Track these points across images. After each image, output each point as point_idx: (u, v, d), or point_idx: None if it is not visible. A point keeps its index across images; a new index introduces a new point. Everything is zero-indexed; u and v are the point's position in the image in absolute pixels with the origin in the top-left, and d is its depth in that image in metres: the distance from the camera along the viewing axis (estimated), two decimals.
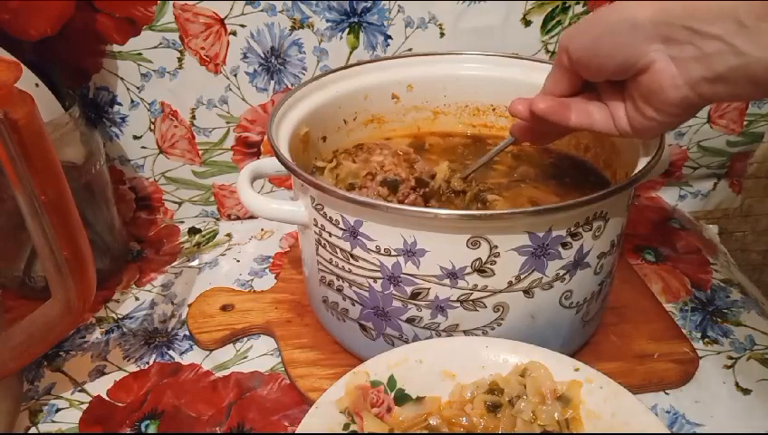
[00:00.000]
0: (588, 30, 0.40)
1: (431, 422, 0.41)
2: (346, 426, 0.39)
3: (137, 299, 0.64)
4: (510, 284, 0.44)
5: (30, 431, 0.50)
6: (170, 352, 0.57)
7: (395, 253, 0.44)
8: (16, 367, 0.51)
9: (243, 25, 0.65)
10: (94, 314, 0.62)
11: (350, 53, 0.67)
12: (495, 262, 0.43)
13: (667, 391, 0.51)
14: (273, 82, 0.68)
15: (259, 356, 0.56)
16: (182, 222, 0.76)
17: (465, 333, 0.47)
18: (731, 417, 0.49)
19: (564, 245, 0.43)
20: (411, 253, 0.43)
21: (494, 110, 0.64)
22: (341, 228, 0.45)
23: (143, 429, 0.50)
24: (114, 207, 0.68)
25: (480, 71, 0.63)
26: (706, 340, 0.57)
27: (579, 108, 0.45)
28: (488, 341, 0.44)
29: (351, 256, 0.46)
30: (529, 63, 0.60)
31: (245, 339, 0.58)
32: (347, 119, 0.62)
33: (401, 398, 0.42)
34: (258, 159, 0.72)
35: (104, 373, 0.55)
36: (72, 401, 0.53)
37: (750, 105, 0.73)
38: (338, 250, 0.47)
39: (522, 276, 0.44)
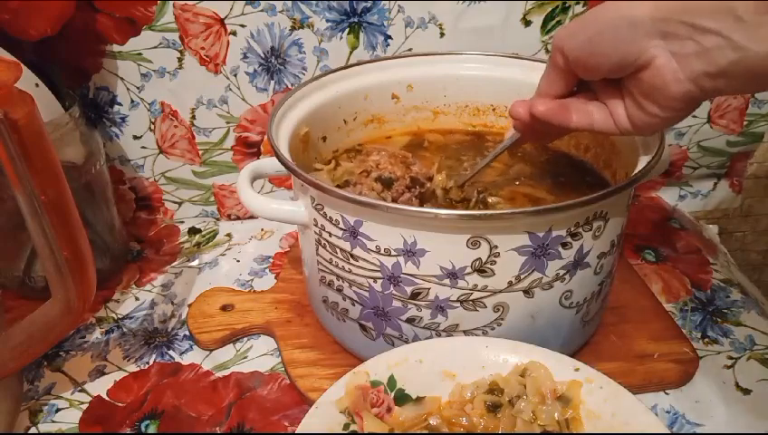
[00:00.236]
0: (583, 29, 0.40)
1: (431, 422, 0.41)
2: (346, 426, 0.39)
3: (137, 299, 0.64)
4: (510, 284, 0.44)
5: (30, 431, 0.50)
6: (170, 352, 0.57)
7: (395, 253, 0.44)
8: (16, 367, 0.51)
9: (243, 25, 0.65)
10: (94, 314, 0.62)
11: (350, 53, 0.67)
12: (495, 262, 0.43)
13: (667, 391, 0.51)
14: (273, 82, 0.68)
15: (259, 356, 0.56)
16: (182, 222, 0.76)
17: (465, 333, 0.47)
18: (731, 417, 0.49)
19: (564, 245, 0.43)
20: (411, 253, 0.43)
21: (494, 110, 0.64)
22: (341, 228, 0.45)
23: (143, 429, 0.50)
24: (114, 207, 0.68)
25: (480, 71, 0.63)
26: (706, 340, 0.57)
27: (578, 108, 0.45)
28: (488, 341, 0.44)
29: (351, 256, 0.46)
30: (529, 63, 0.61)
31: (245, 339, 0.58)
32: (347, 119, 0.62)
33: (401, 398, 0.42)
34: (258, 159, 0.72)
35: (104, 373, 0.55)
36: (72, 401, 0.53)
37: (750, 105, 0.73)
38: (338, 250, 0.47)
39: (522, 276, 0.44)
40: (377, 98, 0.62)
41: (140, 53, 0.65)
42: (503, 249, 0.42)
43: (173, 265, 0.69)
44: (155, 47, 0.65)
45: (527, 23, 0.67)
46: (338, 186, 0.52)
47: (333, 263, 0.48)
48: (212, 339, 0.57)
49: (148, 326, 0.60)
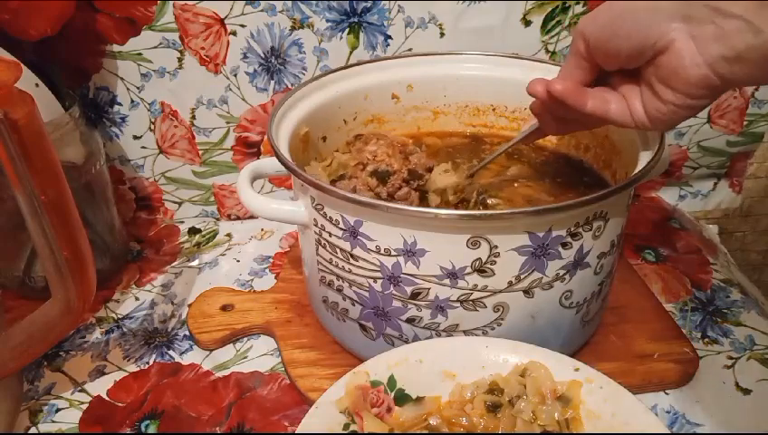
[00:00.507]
0: (605, 13, 0.41)
1: (431, 422, 0.41)
2: (346, 426, 0.39)
3: (137, 299, 0.64)
4: (510, 284, 0.44)
5: (30, 431, 0.50)
6: (170, 352, 0.57)
7: (395, 253, 0.44)
8: (16, 367, 0.51)
9: (243, 25, 0.65)
10: (94, 314, 0.62)
11: (350, 53, 0.67)
12: (495, 262, 0.43)
13: (667, 391, 0.51)
14: (273, 82, 0.68)
15: (259, 356, 0.56)
16: (182, 222, 0.76)
17: (465, 333, 0.47)
18: (731, 417, 0.49)
19: (564, 245, 0.43)
20: (411, 253, 0.43)
21: (493, 110, 0.64)
22: (341, 228, 0.45)
23: (143, 429, 0.50)
24: (114, 207, 0.68)
25: (480, 71, 0.63)
26: (706, 340, 0.57)
27: (595, 95, 0.45)
28: (488, 341, 0.44)
29: (351, 256, 0.46)
30: (529, 63, 0.61)
31: (245, 339, 0.58)
32: (347, 119, 0.62)
33: (401, 398, 0.42)
34: (258, 159, 0.72)
35: (104, 373, 0.55)
36: (72, 401, 0.53)
37: (750, 105, 0.73)
38: (338, 250, 0.47)
39: (522, 276, 0.44)
40: (377, 98, 0.63)
41: (140, 53, 0.65)
42: (503, 249, 0.42)
43: (173, 265, 0.69)
44: (155, 47, 0.65)
45: (527, 23, 0.67)
46: (333, 180, 0.52)
47: (333, 263, 0.48)
48: (212, 339, 0.57)
49: (148, 326, 0.60)
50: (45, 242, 0.43)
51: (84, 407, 0.52)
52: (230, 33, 0.65)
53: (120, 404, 0.52)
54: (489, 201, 0.53)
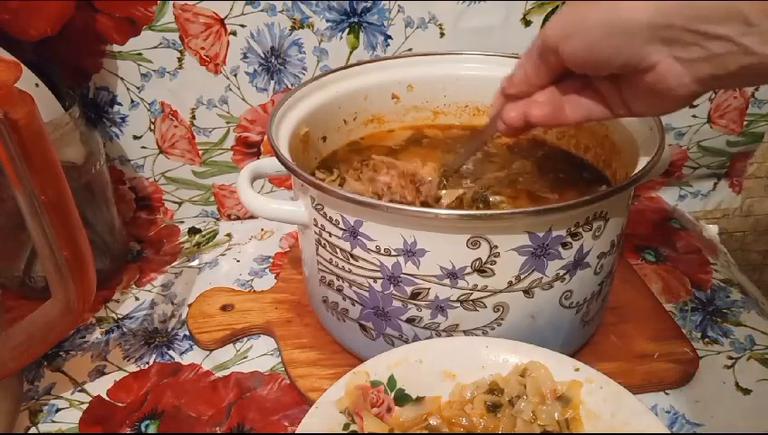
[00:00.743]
0: (579, 34, 0.38)
1: (431, 422, 0.41)
2: (346, 426, 0.39)
3: (137, 299, 0.64)
4: (510, 284, 0.44)
5: (30, 431, 0.50)
6: (170, 352, 0.57)
7: (395, 253, 0.44)
8: (16, 367, 0.51)
9: (243, 25, 0.65)
10: (94, 314, 0.62)
11: (350, 53, 0.67)
12: (495, 262, 0.43)
13: (667, 391, 0.51)
14: (273, 82, 0.68)
15: (259, 356, 0.56)
16: (182, 222, 0.76)
17: (465, 333, 0.47)
18: (731, 417, 0.49)
19: (564, 245, 0.43)
20: (411, 253, 0.43)
21: None
22: (341, 228, 0.45)
23: (143, 429, 0.50)
24: (114, 207, 0.68)
25: (480, 71, 0.63)
26: (706, 340, 0.57)
27: (572, 103, 0.43)
28: (488, 341, 0.44)
29: (351, 256, 0.46)
30: None
31: (245, 339, 0.58)
32: (347, 119, 0.62)
33: (401, 398, 0.42)
34: (258, 159, 0.72)
35: (104, 373, 0.55)
36: (72, 401, 0.53)
37: (750, 105, 0.73)
38: (338, 250, 0.47)
39: (522, 276, 0.44)
40: (377, 98, 0.62)
41: (140, 53, 0.65)
42: (503, 249, 0.42)
43: (173, 265, 0.69)
44: (155, 47, 0.65)
45: (527, 23, 0.67)
46: None
47: (333, 263, 0.48)
48: (212, 339, 0.57)
49: (148, 326, 0.60)
50: (45, 242, 0.43)
51: (84, 407, 0.52)
52: (230, 33, 0.65)
53: (120, 404, 0.52)
54: (492, 198, 0.53)
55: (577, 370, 0.42)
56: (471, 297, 0.45)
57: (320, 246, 0.48)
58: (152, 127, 0.70)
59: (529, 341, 0.44)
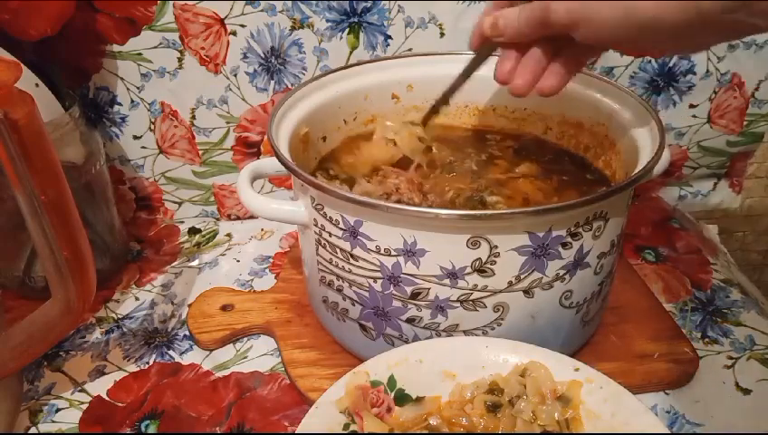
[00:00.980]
0: (590, 27, 0.38)
1: (431, 422, 0.41)
2: (346, 426, 0.39)
3: (137, 299, 0.64)
4: (510, 284, 0.44)
5: (30, 431, 0.50)
6: (170, 352, 0.57)
7: (395, 253, 0.44)
8: (16, 367, 0.51)
9: (243, 25, 0.65)
10: (94, 314, 0.62)
11: (350, 53, 0.67)
12: (495, 262, 0.43)
13: (667, 391, 0.51)
14: (273, 82, 0.68)
15: (259, 356, 0.56)
16: (182, 222, 0.76)
17: (465, 333, 0.47)
18: (731, 417, 0.49)
19: (564, 245, 0.43)
20: (411, 253, 0.43)
21: (494, 110, 0.64)
22: (341, 228, 0.45)
23: (143, 429, 0.50)
24: (114, 207, 0.68)
25: (480, 71, 0.62)
26: (706, 340, 0.57)
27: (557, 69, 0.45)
28: (488, 341, 0.44)
29: (351, 256, 0.46)
30: None
31: (245, 339, 0.58)
32: (347, 119, 0.62)
33: (401, 398, 0.42)
34: (258, 159, 0.72)
35: (104, 373, 0.55)
36: (72, 401, 0.53)
37: (750, 105, 0.73)
38: (338, 250, 0.47)
39: (522, 276, 0.44)
40: (377, 98, 0.62)
41: (140, 53, 0.65)
42: (503, 249, 0.42)
43: (173, 265, 0.69)
44: (155, 47, 0.65)
45: None
46: None
47: (333, 263, 0.48)
48: (212, 339, 0.57)
49: (148, 326, 0.60)
50: (45, 242, 0.43)
51: (84, 407, 0.52)
52: (230, 33, 0.65)
53: (120, 404, 0.52)
54: (488, 199, 0.53)
55: (577, 370, 0.42)
56: (471, 297, 0.45)
57: (320, 246, 0.48)
58: (152, 127, 0.70)
59: (529, 341, 0.44)
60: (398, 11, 0.65)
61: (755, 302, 0.61)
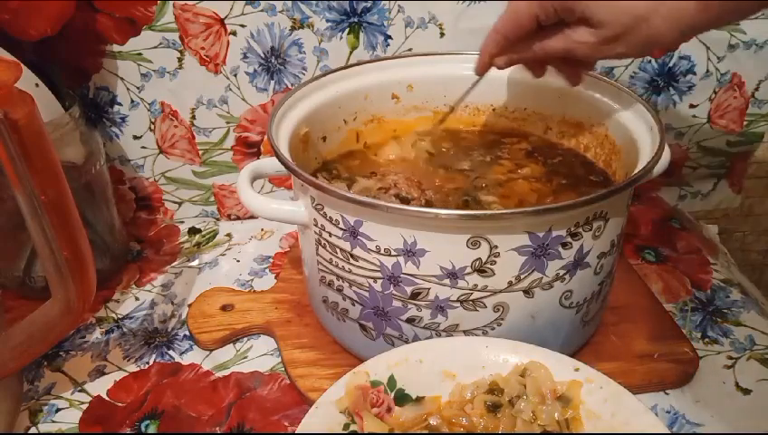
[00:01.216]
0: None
1: (431, 422, 0.41)
2: (346, 426, 0.39)
3: (137, 299, 0.64)
4: (510, 284, 0.44)
5: (30, 431, 0.50)
6: (170, 352, 0.57)
7: (395, 253, 0.44)
8: (16, 367, 0.51)
9: (243, 25, 0.65)
10: (94, 314, 0.62)
11: (350, 53, 0.67)
12: (495, 262, 0.43)
13: (667, 391, 0.51)
14: (273, 82, 0.68)
15: (259, 356, 0.56)
16: (182, 222, 0.76)
17: (465, 333, 0.47)
18: (731, 417, 0.49)
19: (564, 245, 0.43)
20: (411, 253, 0.43)
21: (493, 110, 0.64)
22: (341, 228, 0.45)
23: (143, 429, 0.50)
24: (114, 207, 0.68)
25: None
26: (706, 340, 0.57)
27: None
28: (488, 341, 0.44)
29: (351, 256, 0.46)
30: None
31: (245, 339, 0.58)
32: (347, 119, 0.62)
33: (401, 398, 0.42)
34: (258, 159, 0.72)
35: (104, 373, 0.55)
36: (72, 401, 0.53)
37: (750, 105, 0.73)
38: (338, 250, 0.47)
39: (522, 276, 0.44)
40: (377, 98, 0.62)
41: (140, 53, 0.65)
42: (503, 249, 0.42)
43: (173, 265, 0.69)
44: (155, 47, 0.65)
45: None
46: None
47: (333, 263, 0.48)
48: (212, 339, 0.57)
49: (148, 326, 0.60)
50: (45, 242, 0.43)
51: (84, 407, 0.52)
52: (230, 33, 0.65)
53: (120, 404, 0.52)
54: (484, 198, 0.53)
55: (577, 370, 0.42)
56: (471, 297, 0.45)
57: (320, 246, 0.48)
58: (152, 127, 0.70)
59: (529, 341, 0.44)
60: (398, 11, 0.65)
61: (755, 302, 0.61)
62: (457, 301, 0.45)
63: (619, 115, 0.54)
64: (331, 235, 0.47)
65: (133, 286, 0.66)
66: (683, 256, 0.68)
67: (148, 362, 0.56)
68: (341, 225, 0.45)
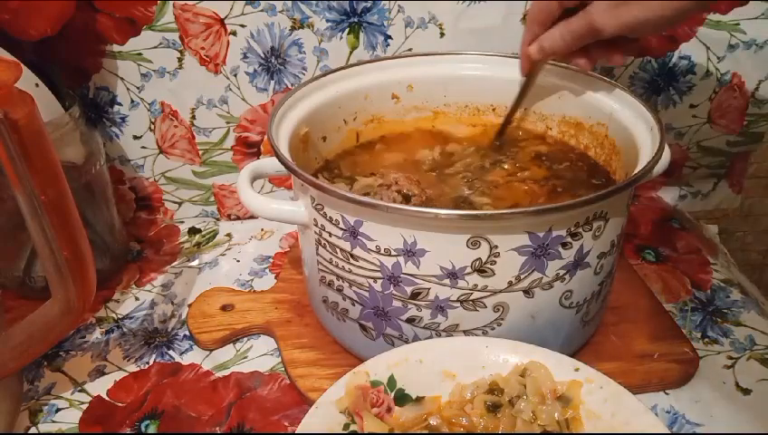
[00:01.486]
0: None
1: (431, 422, 0.41)
2: (346, 426, 0.39)
3: (137, 299, 0.64)
4: (510, 284, 0.44)
5: (30, 431, 0.50)
6: (170, 352, 0.57)
7: (395, 253, 0.44)
8: (16, 367, 0.51)
9: (243, 25, 0.65)
10: (94, 314, 0.62)
11: (350, 53, 0.67)
12: (495, 262, 0.43)
13: (667, 391, 0.51)
14: (273, 82, 0.68)
15: (259, 356, 0.56)
16: (182, 222, 0.76)
17: (465, 333, 0.47)
18: (731, 417, 0.49)
19: (564, 245, 0.43)
20: (411, 253, 0.43)
21: (493, 110, 0.64)
22: (341, 228, 0.45)
23: (143, 429, 0.50)
24: (114, 207, 0.68)
25: (480, 71, 0.63)
26: (706, 340, 0.57)
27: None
28: (488, 341, 0.44)
29: (351, 256, 0.46)
30: None
31: (245, 339, 0.58)
32: (347, 119, 0.62)
33: (401, 398, 0.42)
34: (258, 159, 0.72)
35: (104, 373, 0.55)
36: (72, 401, 0.53)
37: (750, 105, 0.73)
38: (338, 250, 0.47)
39: (522, 276, 0.44)
40: (377, 98, 0.62)
41: (140, 53, 0.65)
42: (503, 249, 0.42)
43: (173, 265, 0.69)
44: (155, 47, 0.65)
45: None
46: None
47: (333, 263, 0.48)
48: (212, 339, 0.57)
49: (148, 326, 0.60)
50: (45, 242, 0.43)
51: (84, 407, 0.52)
52: (230, 33, 0.65)
53: (120, 404, 0.52)
54: (476, 199, 0.53)
55: (577, 370, 0.42)
56: (471, 297, 0.45)
57: (320, 246, 0.48)
58: (152, 127, 0.70)
59: (529, 341, 0.44)
60: (398, 11, 0.65)
61: (755, 302, 0.61)
62: (457, 301, 0.45)
63: (619, 115, 0.54)
64: (331, 235, 0.47)
65: (133, 286, 0.66)
66: (683, 256, 0.68)
67: (148, 362, 0.56)
68: (341, 225, 0.45)
